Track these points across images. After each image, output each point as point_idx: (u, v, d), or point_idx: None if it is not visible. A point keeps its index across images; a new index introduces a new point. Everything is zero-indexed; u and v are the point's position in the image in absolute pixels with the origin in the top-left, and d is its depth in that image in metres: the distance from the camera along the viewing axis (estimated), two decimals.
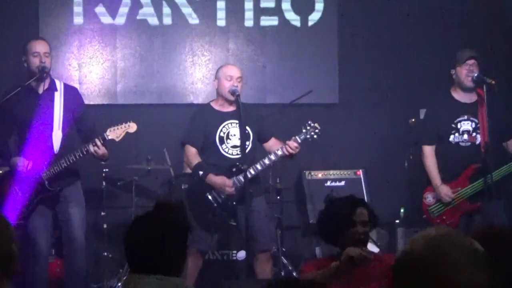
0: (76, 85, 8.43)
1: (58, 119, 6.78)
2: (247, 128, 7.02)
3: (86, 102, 8.27)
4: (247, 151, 6.98)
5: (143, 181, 8.20)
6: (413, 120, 8.60)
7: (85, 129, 6.95)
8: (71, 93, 7.03)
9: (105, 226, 8.20)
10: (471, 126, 7.17)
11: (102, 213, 8.21)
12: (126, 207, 8.15)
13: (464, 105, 7.20)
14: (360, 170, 8.69)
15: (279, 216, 8.34)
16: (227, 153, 7.11)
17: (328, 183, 8.60)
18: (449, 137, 7.18)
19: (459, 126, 7.18)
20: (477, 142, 7.11)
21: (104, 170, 8.05)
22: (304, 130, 7.01)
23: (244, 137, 6.93)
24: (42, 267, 6.84)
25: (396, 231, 8.42)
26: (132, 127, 6.77)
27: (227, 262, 8.03)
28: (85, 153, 6.58)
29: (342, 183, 8.61)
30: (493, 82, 6.93)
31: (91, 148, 6.55)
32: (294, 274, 8.00)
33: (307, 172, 8.61)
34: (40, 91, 6.76)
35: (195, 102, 8.80)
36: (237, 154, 7.04)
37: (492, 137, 6.96)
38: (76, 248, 6.87)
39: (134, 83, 8.94)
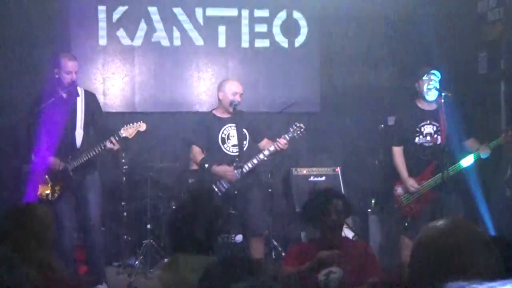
0: (101, 96, 8.75)
1: (80, 120, 7.04)
2: (244, 130, 7.38)
3: (109, 110, 8.74)
4: (244, 149, 7.34)
5: (157, 176, 8.38)
6: (382, 126, 8.68)
7: (100, 127, 7.21)
8: (90, 98, 7.28)
9: (125, 214, 8.35)
10: (433, 129, 7.31)
11: (123, 203, 8.37)
12: (143, 198, 8.33)
13: (426, 112, 7.35)
14: (338, 168, 8.80)
15: (270, 205, 8.49)
16: (228, 151, 7.41)
17: (311, 178, 8.70)
18: (414, 139, 7.35)
19: (422, 130, 7.33)
20: (438, 142, 7.26)
21: (124, 167, 8.27)
22: (291, 129, 7.28)
23: (241, 138, 7.29)
24: (67, 242, 7.01)
25: (368, 218, 8.56)
26: (142, 126, 7.01)
27: (226, 244, 7.75)
28: (103, 148, 6.88)
29: (323, 178, 8.72)
30: (449, 94, 7.07)
31: (108, 145, 6.84)
32: (283, 254, 8.17)
33: (294, 169, 8.76)
34: (65, 96, 7.05)
35: (200, 110, 9.07)
36: (236, 152, 7.34)
37: (450, 139, 7.11)
38: (92, 225, 7.13)
39: (149, 94, 9.20)
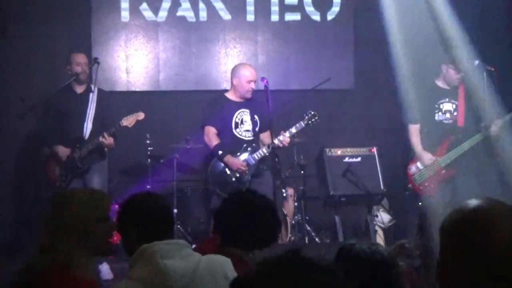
0: (124, 74, 8.76)
1: (90, 114, 7.32)
2: (255, 116, 7.44)
3: (132, 89, 8.83)
4: (256, 134, 7.49)
5: (183, 158, 8.21)
6: None
7: (105, 120, 7.39)
8: (103, 95, 7.51)
9: None
10: (452, 107, 7.43)
11: (148, 186, 8.17)
12: (169, 180, 8.14)
13: (445, 90, 7.48)
14: (374, 148, 8.54)
15: (303, 188, 8.29)
16: (240, 135, 7.42)
17: (346, 159, 8.42)
18: (434, 116, 7.44)
19: (441, 107, 7.44)
20: (458, 120, 7.45)
21: (149, 149, 8.13)
22: (306, 117, 7.30)
23: (254, 123, 7.42)
24: None
25: (406, 201, 8.03)
26: (140, 115, 7.26)
27: None
28: (99, 142, 7.18)
29: (359, 159, 8.45)
30: (493, 69, 7.09)
31: (100, 139, 7.15)
32: (317, 239, 8.09)
33: (327, 149, 8.50)
34: (79, 92, 7.43)
35: (228, 88, 8.60)
36: (249, 137, 7.43)
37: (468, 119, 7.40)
38: None
39: (174, 72, 9.01)
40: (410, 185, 7.53)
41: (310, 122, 7.28)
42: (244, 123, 7.42)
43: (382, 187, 8.28)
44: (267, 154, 7.26)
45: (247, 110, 7.43)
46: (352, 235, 8.22)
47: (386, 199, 8.40)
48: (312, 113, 7.31)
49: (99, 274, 7.27)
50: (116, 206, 7.91)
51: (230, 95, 7.51)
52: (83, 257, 3.24)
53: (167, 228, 3.40)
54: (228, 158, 7.28)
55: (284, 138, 7.19)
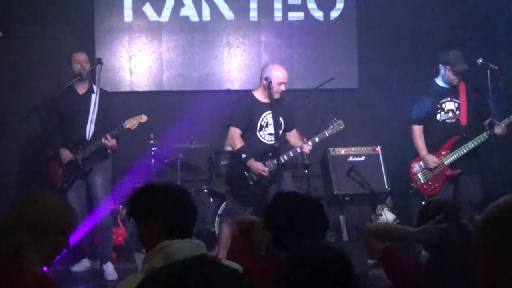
0: (127, 75, 8.75)
1: (92, 115, 7.34)
2: (280, 119, 7.24)
3: (136, 89, 8.80)
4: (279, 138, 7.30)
5: (187, 158, 8.24)
6: None
7: (107, 121, 7.43)
8: (104, 96, 7.50)
9: None
10: (454, 106, 7.34)
11: None
12: (172, 181, 7.99)
13: (446, 89, 7.38)
14: (378, 147, 8.48)
15: (307, 187, 8.29)
16: (263, 138, 7.21)
17: (350, 158, 8.36)
18: (436, 116, 7.34)
19: (443, 106, 7.35)
20: (461, 119, 7.35)
21: (152, 149, 8.11)
22: (330, 126, 7.25)
23: (277, 127, 7.17)
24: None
25: (410, 200, 8.04)
26: (143, 118, 7.32)
27: None
28: (102, 143, 7.23)
29: (363, 158, 8.39)
30: (496, 67, 6.99)
31: (103, 141, 7.20)
32: None
33: (331, 149, 8.43)
34: (80, 92, 7.44)
35: (231, 88, 8.88)
36: (271, 141, 7.20)
37: (471, 116, 7.29)
38: (98, 206, 7.41)
39: (178, 72, 8.98)
40: (413, 184, 7.48)
41: (334, 132, 7.25)
42: (268, 126, 7.22)
43: (386, 186, 8.24)
44: (287, 159, 7.20)
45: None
46: (357, 234, 8.21)
47: (390, 198, 8.37)
48: (338, 122, 7.27)
49: (103, 274, 7.30)
50: (120, 207, 8.06)
51: (258, 95, 7.27)
52: (32, 254, 3.17)
53: (192, 225, 3.23)
54: (252, 162, 7.10)
55: (306, 146, 7.15)
